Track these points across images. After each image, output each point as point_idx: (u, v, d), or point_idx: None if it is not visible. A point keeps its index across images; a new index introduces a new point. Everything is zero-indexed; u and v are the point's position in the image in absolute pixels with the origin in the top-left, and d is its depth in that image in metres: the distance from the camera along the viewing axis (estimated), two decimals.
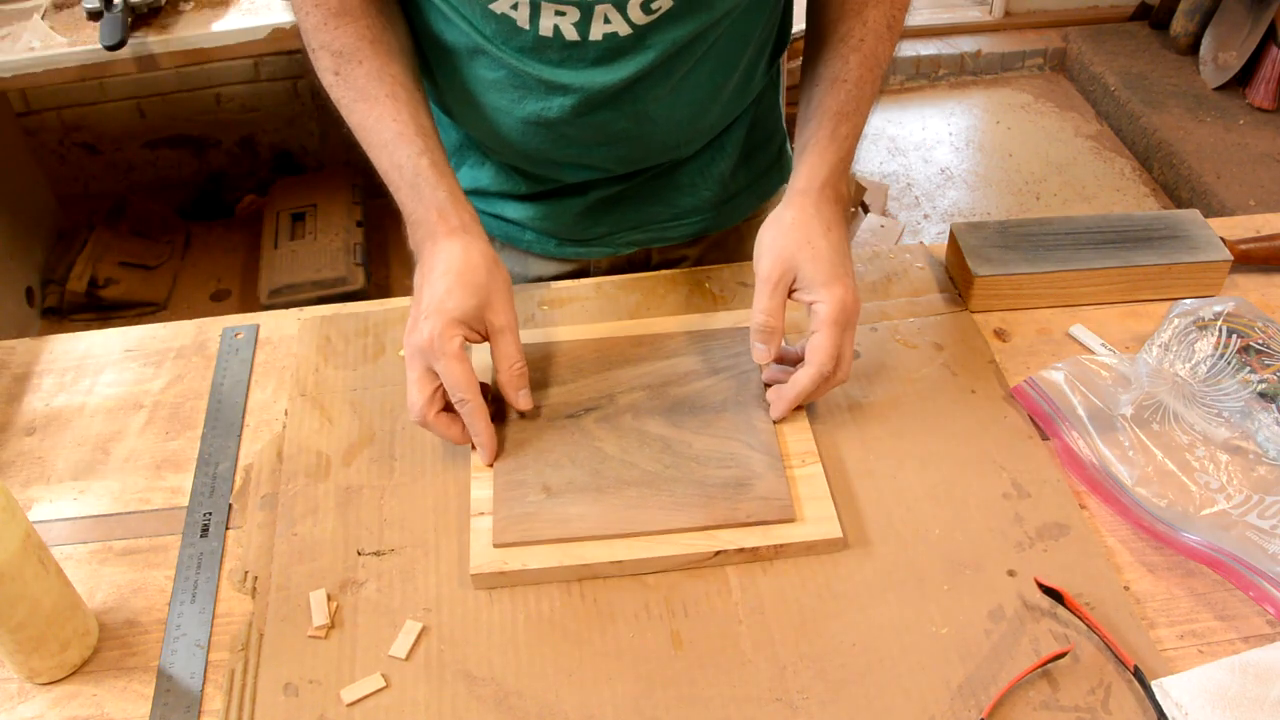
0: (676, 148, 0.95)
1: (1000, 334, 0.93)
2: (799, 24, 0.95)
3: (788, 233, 0.80)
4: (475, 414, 0.77)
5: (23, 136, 2.58)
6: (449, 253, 0.78)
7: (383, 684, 0.68)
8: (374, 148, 0.83)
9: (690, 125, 0.93)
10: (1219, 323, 0.85)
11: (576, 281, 0.99)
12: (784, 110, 1.08)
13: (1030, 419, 0.84)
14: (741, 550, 0.73)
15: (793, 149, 0.95)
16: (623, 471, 0.78)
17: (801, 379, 0.79)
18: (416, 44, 0.90)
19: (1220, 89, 2.99)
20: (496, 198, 1.03)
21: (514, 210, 1.03)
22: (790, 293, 0.81)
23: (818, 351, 0.78)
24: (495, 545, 0.74)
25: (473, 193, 1.03)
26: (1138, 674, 0.66)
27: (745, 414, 0.82)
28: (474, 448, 0.80)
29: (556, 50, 0.82)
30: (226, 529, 0.79)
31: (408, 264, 2.92)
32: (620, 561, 0.73)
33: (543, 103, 0.86)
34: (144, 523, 0.80)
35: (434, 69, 0.92)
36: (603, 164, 0.94)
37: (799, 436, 0.81)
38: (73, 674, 0.70)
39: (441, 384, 0.77)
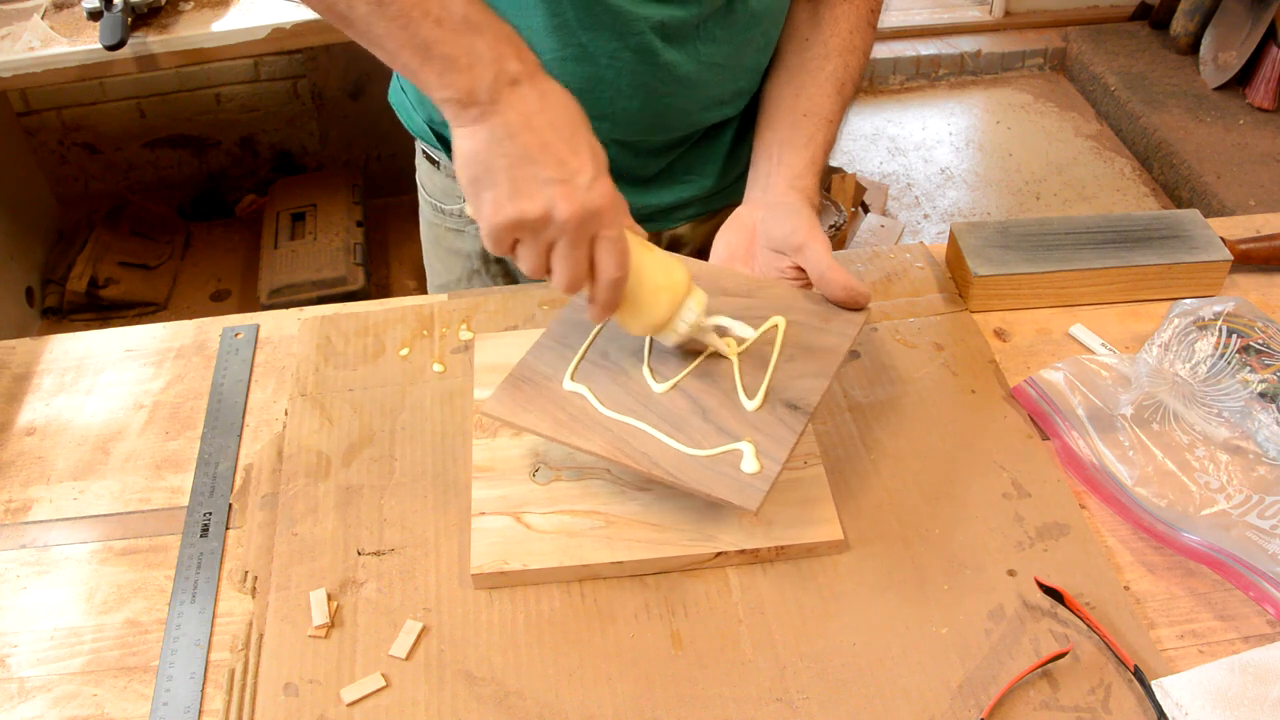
0: (695, 114, 0.95)
1: (1000, 334, 0.93)
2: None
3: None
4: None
5: (23, 136, 2.58)
6: (560, 98, 0.69)
7: (383, 684, 0.68)
8: (398, 10, 0.67)
9: (720, 87, 0.93)
10: (1219, 323, 0.85)
11: None
12: None
13: (1030, 419, 0.84)
14: (742, 551, 0.73)
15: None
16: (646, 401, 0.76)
17: (828, 262, 0.80)
18: None
19: (1220, 89, 2.99)
20: None
21: None
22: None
23: (818, 243, 0.81)
24: (484, 412, 0.76)
25: None
26: (1138, 674, 0.66)
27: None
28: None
29: None
30: (226, 529, 0.79)
31: (407, 264, 2.90)
32: (620, 562, 0.73)
33: (596, 36, 0.84)
34: (144, 523, 0.80)
35: None
36: (622, 120, 0.92)
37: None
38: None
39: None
